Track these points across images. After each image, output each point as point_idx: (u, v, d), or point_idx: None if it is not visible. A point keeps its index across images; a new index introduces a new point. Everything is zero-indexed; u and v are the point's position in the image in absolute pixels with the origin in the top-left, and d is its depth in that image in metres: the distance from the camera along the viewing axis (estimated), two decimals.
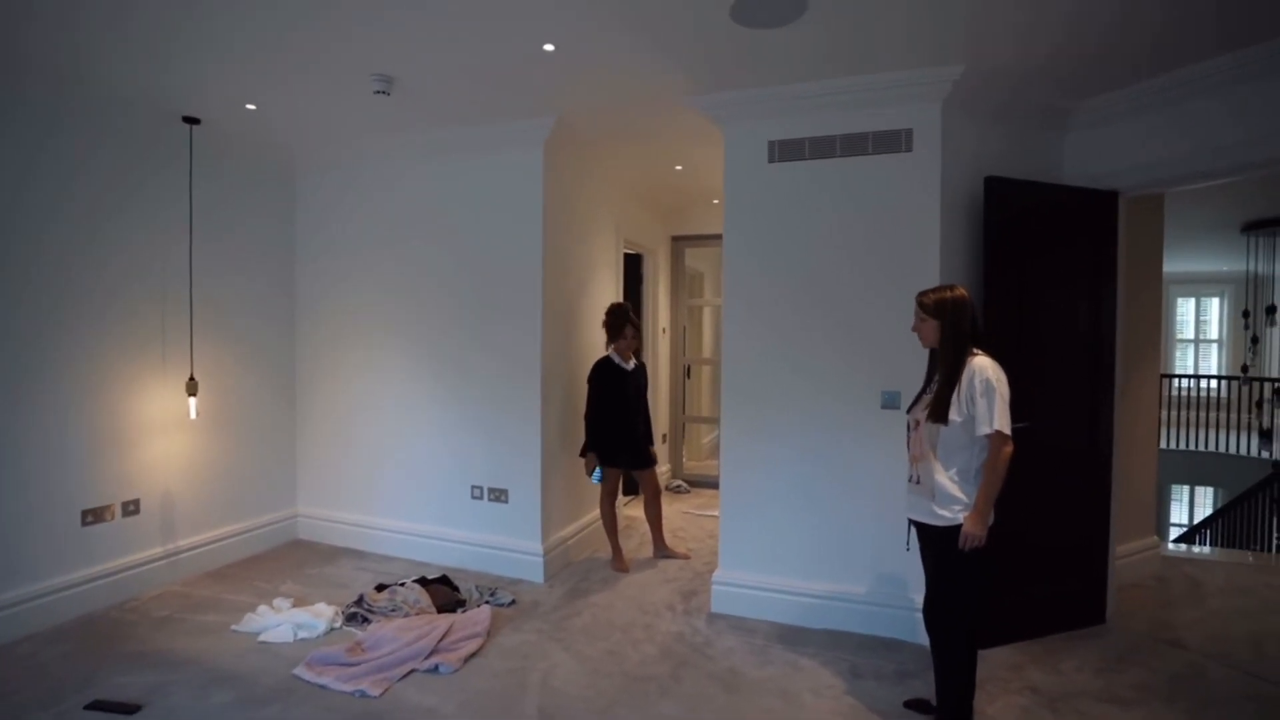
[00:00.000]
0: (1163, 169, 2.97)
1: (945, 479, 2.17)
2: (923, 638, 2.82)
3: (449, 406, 3.91)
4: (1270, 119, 2.58)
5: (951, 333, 2.16)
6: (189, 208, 3.64)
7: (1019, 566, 3.01)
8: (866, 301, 3.08)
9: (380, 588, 3.46)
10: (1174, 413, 8.60)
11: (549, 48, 2.76)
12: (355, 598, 3.37)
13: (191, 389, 3.61)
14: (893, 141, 3.02)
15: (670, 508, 5.20)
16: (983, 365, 2.14)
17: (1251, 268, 6.84)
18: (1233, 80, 2.67)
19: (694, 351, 6.56)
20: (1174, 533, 8.03)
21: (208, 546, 3.82)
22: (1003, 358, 2.62)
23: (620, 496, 4.30)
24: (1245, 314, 7.09)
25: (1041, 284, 3.05)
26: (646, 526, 4.27)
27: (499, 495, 3.81)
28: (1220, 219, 6.24)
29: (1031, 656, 2.91)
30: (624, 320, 3.89)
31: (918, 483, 2.25)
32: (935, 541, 2.22)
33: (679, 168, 4.40)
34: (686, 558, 4.02)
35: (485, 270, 3.79)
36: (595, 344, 4.30)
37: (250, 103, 3.36)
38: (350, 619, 3.18)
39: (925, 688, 2.58)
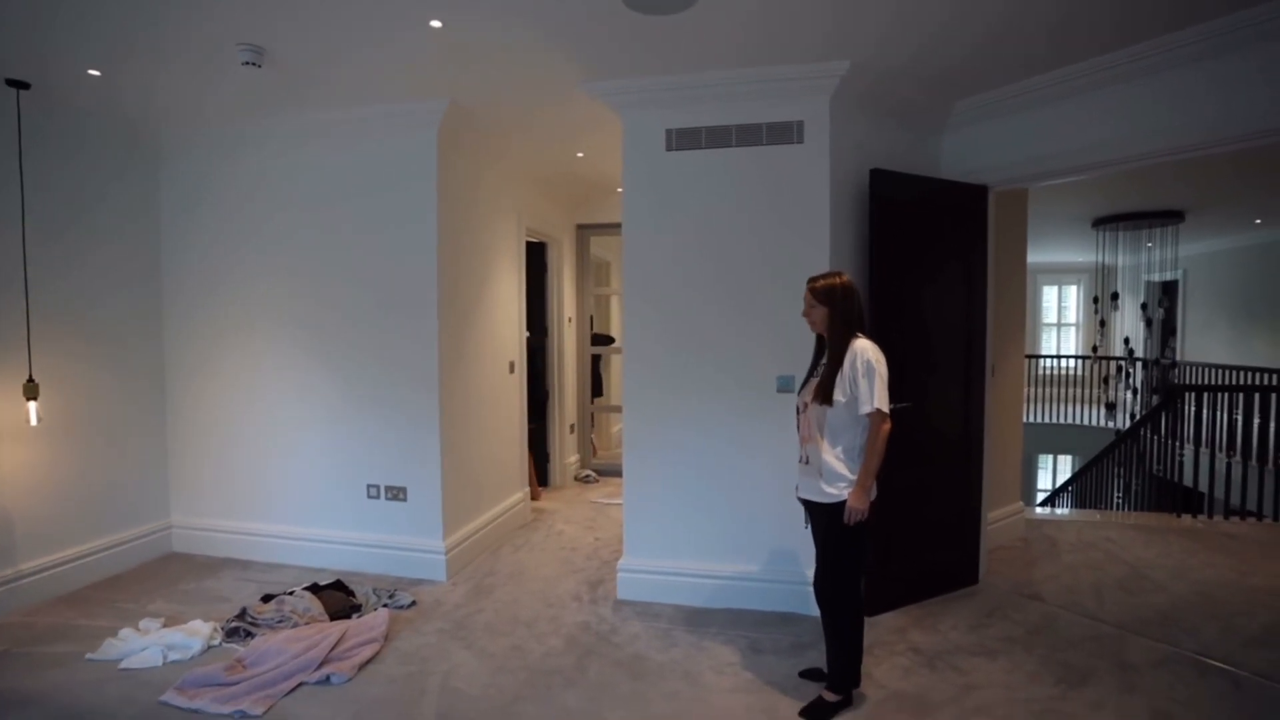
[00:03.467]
0: (1028, 166, 3.17)
1: (832, 458, 2.25)
2: (817, 611, 2.92)
3: (342, 402, 3.71)
4: (1129, 121, 2.81)
5: (840, 319, 2.23)
6: (19, 184, 3.20)
7: (904, 538, 3.18)
8: (762, 288, 3.14)
9: (267, 598, 3.23)
10: (1038, 390, 9.44)
11: (436, 24, 2.62)
12: (237, 611, 3.12)
13: (30, 392, 3.20)
14: (785, 133, 3.09)
15: (579, 498, 5.20)
16: (863, 347, 2.22)
17: (1100, 259, 7.60)
18: (1093, 85, 2.89)
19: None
20: (1040, 498, 8.86)
21: (58, 568, 3.41)
22: (888, 341, 2.74)
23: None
24: (1095, 300, 7.88)
25: (922, 271, 3.21)
26: (555, 520, 4.51)
27: (397, 493, 3.66)
28: (1075, 214, 6.88)
29: (914, 619, 3.10)
30: None
31: (807, 463, 2.33)
32: (823, 517, 2.30)
33: (580, 155, 4.34)
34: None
35: (379, 260, 3.61)
36: (498, 334, 4.22)
37: (93, 68, 3.00)
38: (231, 635, 2.94)
39: (820, 658, 2.69)
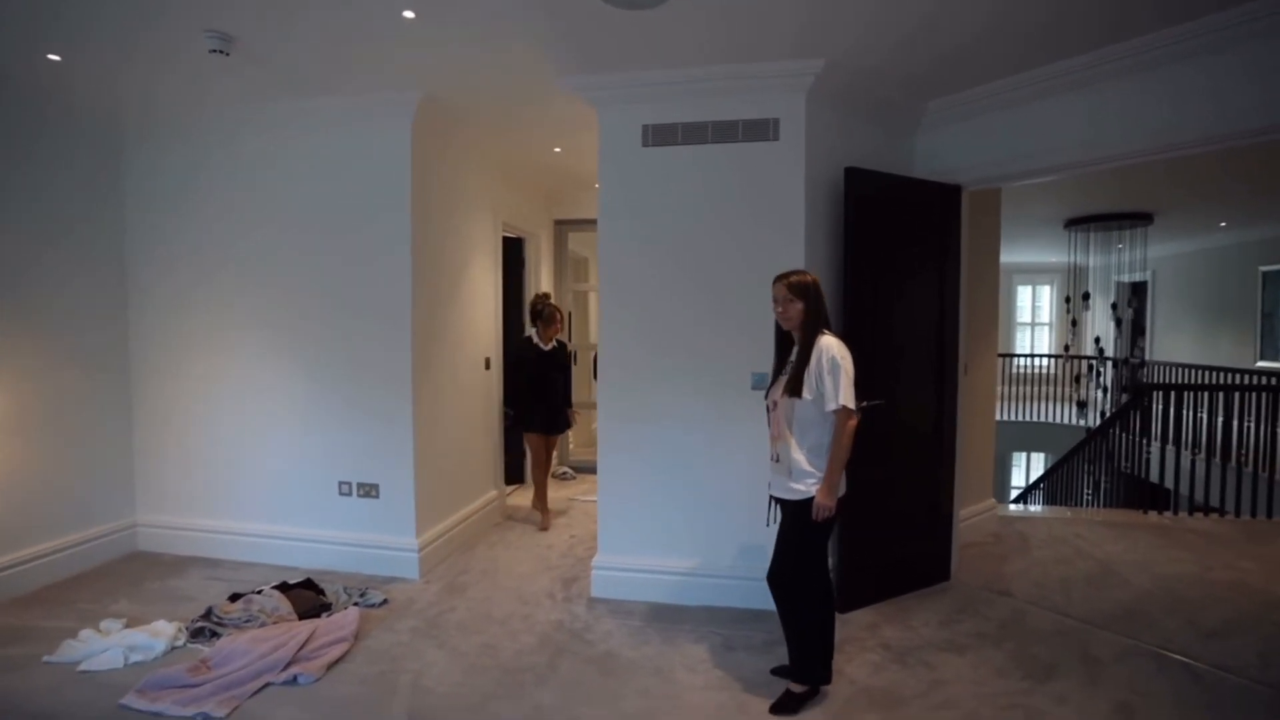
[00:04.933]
0: (1002, 165, 3.20)
1: (800, 455, 2.26)
2: None
3: (314, 397, 3.65)
4: (1103, 121, 2.83)
5: (813, 314, 2.25)
6: None
7: (876, 534, 3.20)
8: (737, 285, 3.14)
9: (234, 597, 3.17)
10: (1012, 388, 9.58)
11: (409, 15, 2.58)
12: (203, 611, 3.06)
13: None
14: (761, 130, 3.09)
15: (556, 494, 5.17)
16: (829, 344, 2.23)
17: (1072, 259, 7.72)
18: (1069, 86, 2.92)
19: (580, 338, 6.48)
20: (1014, 494, 9.00)
21: (14, 569, 3.31)
22: (861, 339, 2.83)
23: (548, 467, 4.64)
24: (1067, 300, 8.01)
25: (896, 270, 3.22)
26: (528, 513, 4.63)
27: (369, 490, 3.61)
28: (1048, 215, 6.99)
29: (886, 616, 3.13)
30: (552, 307, 4.46)
31: (778, 460, 2.33)
32: (792, 514, 2.30)
33: (558, 150, 4.32)
34: (544, 529, 4.33)
35: (353, 252, 3.56)
36: (474, 328, 4.19)
37: (53, 53, 2.91)
38: (196, 635, 2.88)
39: None
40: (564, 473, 5.73)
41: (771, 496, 2.40)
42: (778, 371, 2.39)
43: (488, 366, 4.43)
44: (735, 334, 3.13)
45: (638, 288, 3.25)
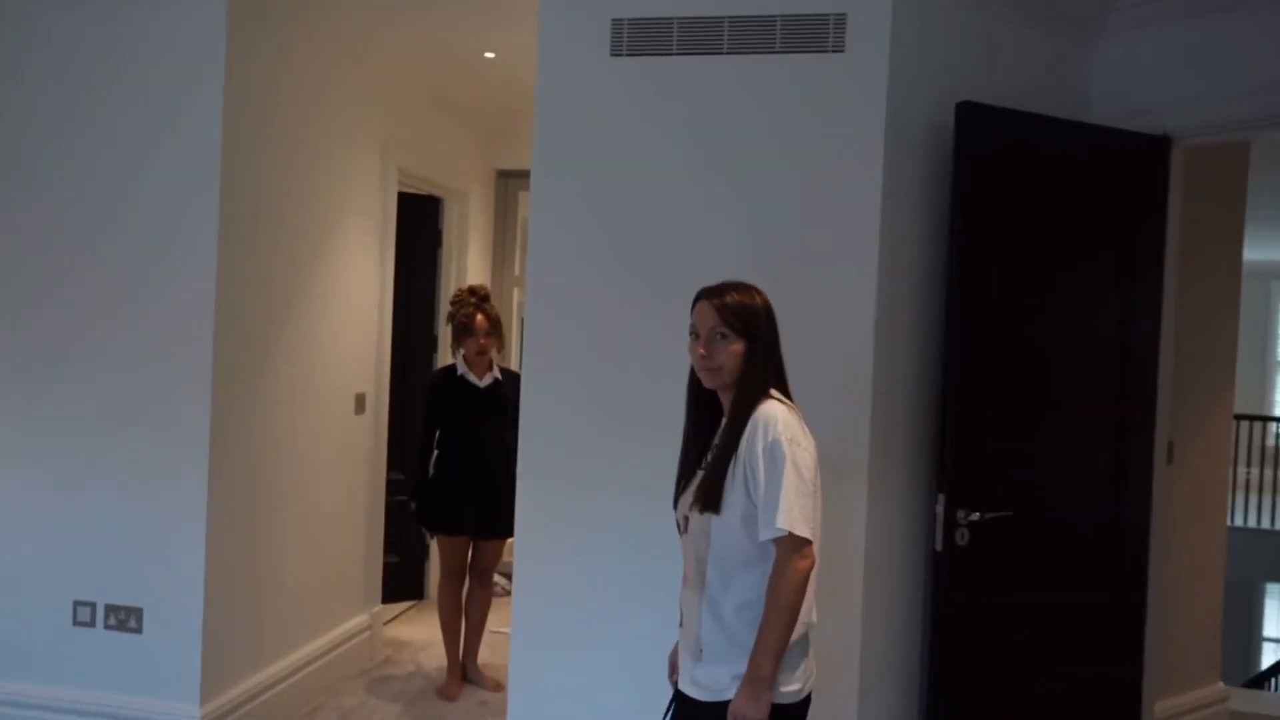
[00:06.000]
0: (1253, 101, 2.95)
1: (717, 620, 2.06)
2: None
3: (32, 454, 3.42)
4: None
5: (759, 363, 2.09)
6: None
7: None
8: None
9: None
10: (1266, 471, 8.71)
11: None
12: None
13: None
14: (814, 34, 2.85)
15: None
16: (771, 416, 2.02)
17: None
18: None
19: None
20: (1266, 660, 8.28)
21: None
22: (980, 401, 2.82)
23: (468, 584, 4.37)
24: None
25: (1043, 274, 3.06)
26: (424, 658, 4.52)
27: (126, 617, 3.32)
28: None
29: None
30: (469, 312, 4.06)
31: (681, 624, 2.19)
32: None
33: (490, 55, 4.21)
34: (497, 689, 4.02)
35: (115, 212, 3.35)
36: (338, 344, 4.16)
37: None
38: None
39: None
40: (496, 586, 5.33)
41: (676, 690, 2.22)
42: (693, 463, 2.22)
43: (361, 409, 4.34)
44: None
45: (585, 302, 3.03)
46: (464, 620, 4.19)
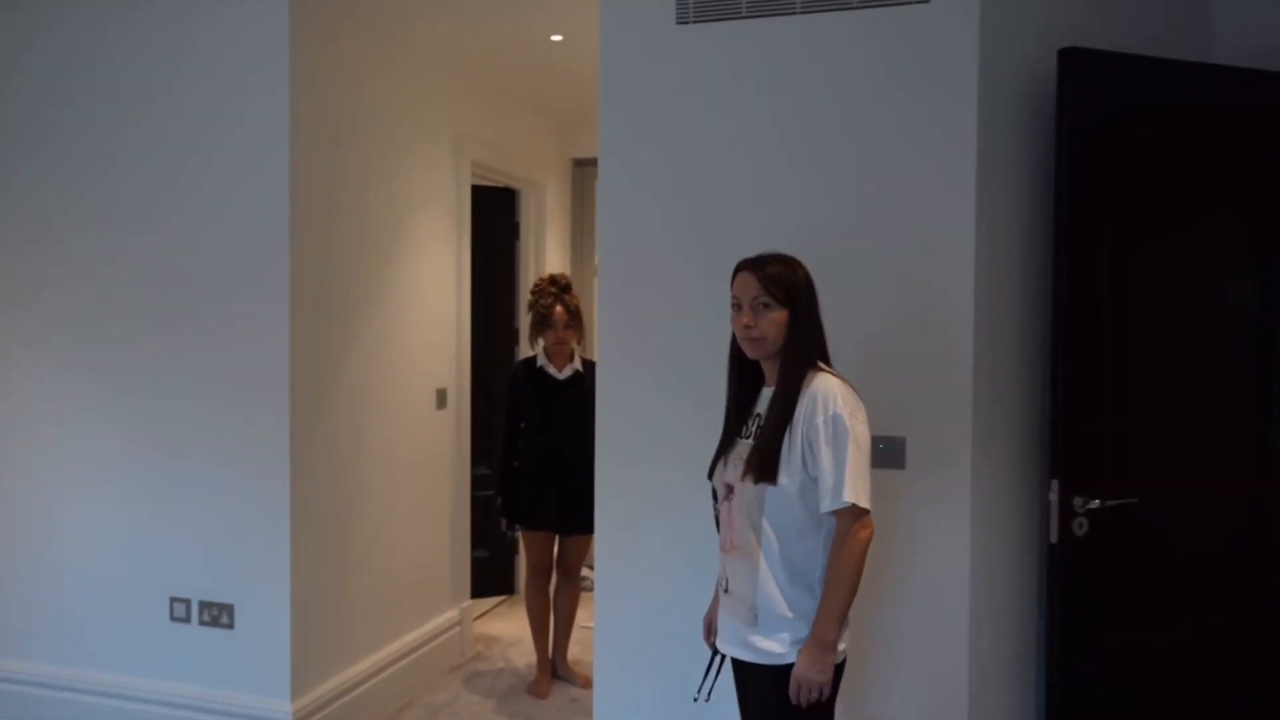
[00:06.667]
0: None
1: (774, 585, 2.12)
2: None
3: (128, 457, 3.50)
4: None
5: (804, 333, 2.15)
6: None
7: None
8: (846, 269, 2.78)
9: None
10: None
11: None
12: None
13: None
14: None
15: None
16: (829, 388, 2.09)
17: None
18: None
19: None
20: None
21: None
22: (1095, 378, 2.72)
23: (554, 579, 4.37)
24: None
25: (1165, 238, 2.90)
26: (513, 654, 4.52)
27: (219, 614, 3.40)
28: None
29: None
30: (548, 303, 4.02)
31: (727, 590, 2.23)
32: (756, 691, 2.18)
33: (558, 38, 4.13)
34: (587, 686, 3.94)
35: (191, 226, 3.42)
36: (417, 341, 4.16)
37: None
38: None
39: None
40: (582, 579, 5.29)
41: (716, 653, 2.31)
42: (733, 431, 2.28)
43: (443, 404, 4.33)
44: (843, 355, 2.66)
45: (662, 284, 2.97)
46: (552, 616, 4.19)
